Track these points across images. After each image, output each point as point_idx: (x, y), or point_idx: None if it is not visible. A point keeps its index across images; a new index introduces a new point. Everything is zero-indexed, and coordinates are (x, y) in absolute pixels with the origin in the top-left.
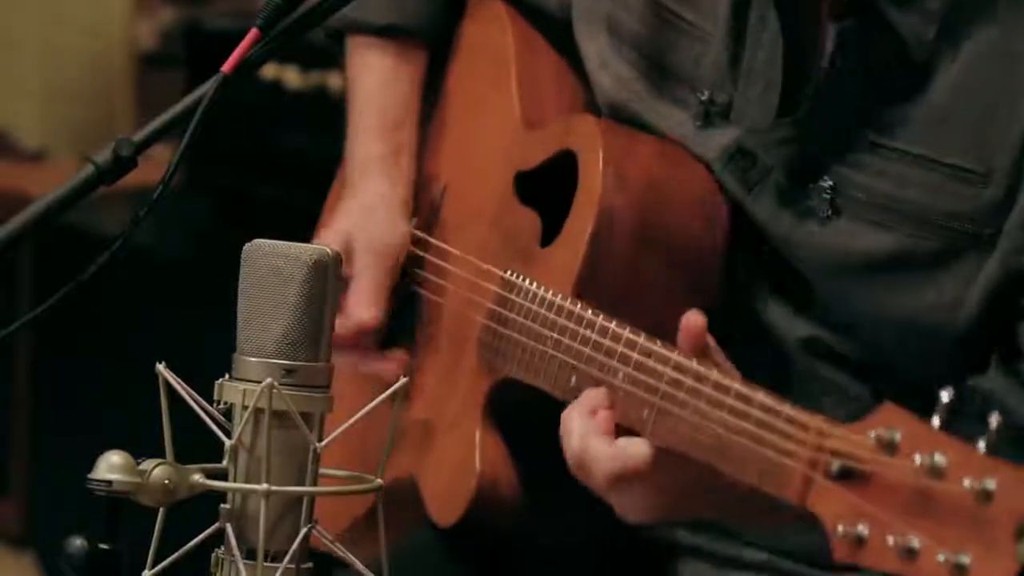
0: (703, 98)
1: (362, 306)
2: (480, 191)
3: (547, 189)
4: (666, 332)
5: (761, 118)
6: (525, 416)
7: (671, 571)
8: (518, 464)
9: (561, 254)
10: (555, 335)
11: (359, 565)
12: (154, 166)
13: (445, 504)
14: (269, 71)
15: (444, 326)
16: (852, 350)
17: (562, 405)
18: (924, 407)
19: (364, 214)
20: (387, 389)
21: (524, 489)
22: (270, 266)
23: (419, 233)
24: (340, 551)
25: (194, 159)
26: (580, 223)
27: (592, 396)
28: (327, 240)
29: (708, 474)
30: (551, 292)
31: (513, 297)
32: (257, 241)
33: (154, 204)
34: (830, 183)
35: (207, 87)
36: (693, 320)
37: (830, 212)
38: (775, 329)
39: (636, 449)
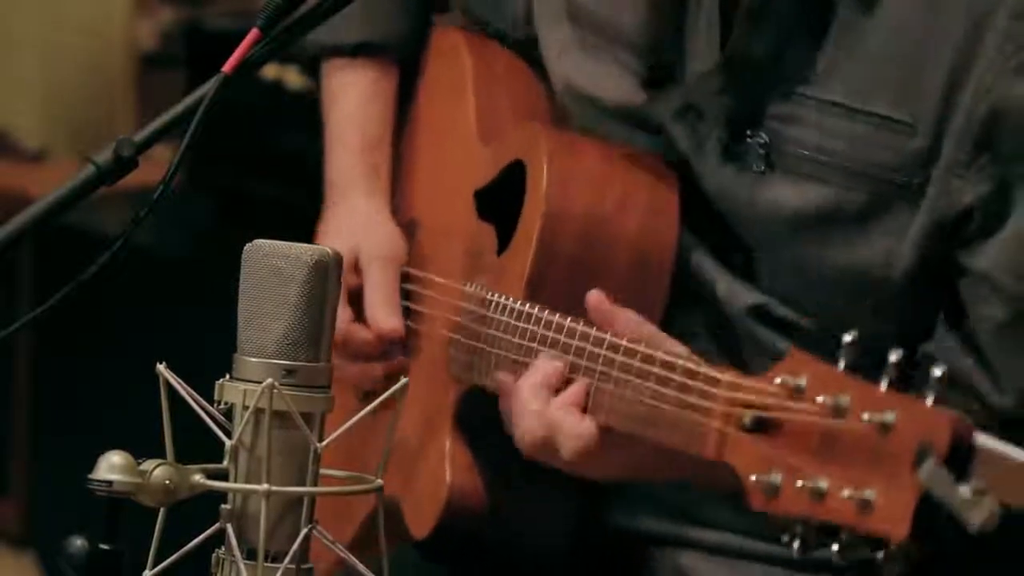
0: (651, 63)
1: (386, 318)
2: (447, 216)
3: (504, 202)
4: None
5: (705, 68)
6: (495, 425)
7: (657, 562)
8: (491, 472)
9: (511, 260)
10: (505, 336)
11: (360, 566)
12: (154, 166)
13: (419, 515)
14: (270, 71)
15: (419, 350)
16: (796, 316)
17: None
18: (875, 368)
19: (361, 226)
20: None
21: (497, 498)
22: (270, 266)
23: (405, 269)
24: (341, 551)
25: (195, 159)
26: (527, 228)
27: (547, 368)
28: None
29: (656, 451)
30: (503, 297)
31: (471, 307)
32: (258, 241)
33: (154, 204)
34: (764, 138)
35: (207, 87)
36: (593, 297)
37: (764, 167)
38: (720, 297)
39: (590, 425)
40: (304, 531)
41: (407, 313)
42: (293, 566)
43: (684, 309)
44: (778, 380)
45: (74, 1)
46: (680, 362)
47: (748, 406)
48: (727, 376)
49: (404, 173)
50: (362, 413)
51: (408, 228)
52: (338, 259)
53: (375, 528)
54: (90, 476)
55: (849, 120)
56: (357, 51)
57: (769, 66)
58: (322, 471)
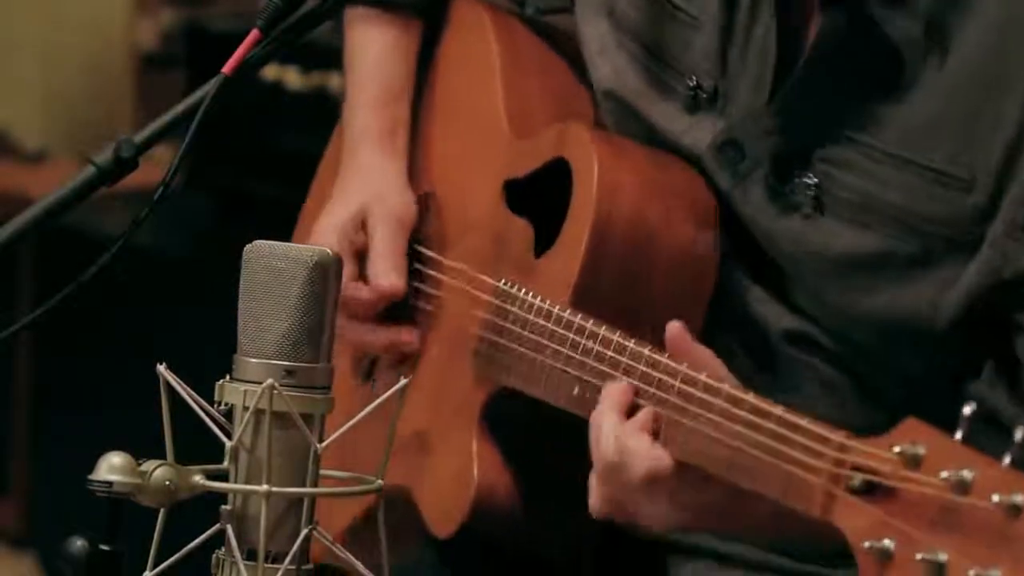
0: (691, 84)
1: (386, 274)
2: (470, 201)
3: (536, 197)
4: (664, 339)
5: (752, 105)
6: (521, 426)
7: (670, 570)
8: (516, 470)
9: (557, 264)
10: (554, 345)
11: (360, 566)
12: (155, 167)
13: (442, 515)
14: (270, 72)
15: (438, 337)
16: (832, 342)
17: (559, 413)
18: (907, 398)
19: (374, 185)
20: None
21: (522, 499)
22: (271, 267)
23: (415, 246)
24: (340, 552)
25: (195, 160)
26: (576, 232)
27: (616, 393)
28: (338, 211)
29: (730, 496)
30: (548, 302)
31: (509, 307)
32: (258, 242)
33: (155, 205)
34: (815, 180)
35: (208, 88)
36: (673, 329)
37: (813, 209)
38: (759, 319)
39: (664, 453)
40: (304, 532)
41: (421, 295)
42: (293, 567)
43: (723, 327)
44: (897, 448)
45: (74, 1)
46: (777, 411)
47: (858, 468)
48: (838, 436)
49: (420, 143)
50: (363, 413)
51: (423, 203)
52: (338, 260)
53: (377, 528)
54: (90, 477)
55: (903, 171)
56: (382, 4)
57: (825, 111)
58: (322, 472)
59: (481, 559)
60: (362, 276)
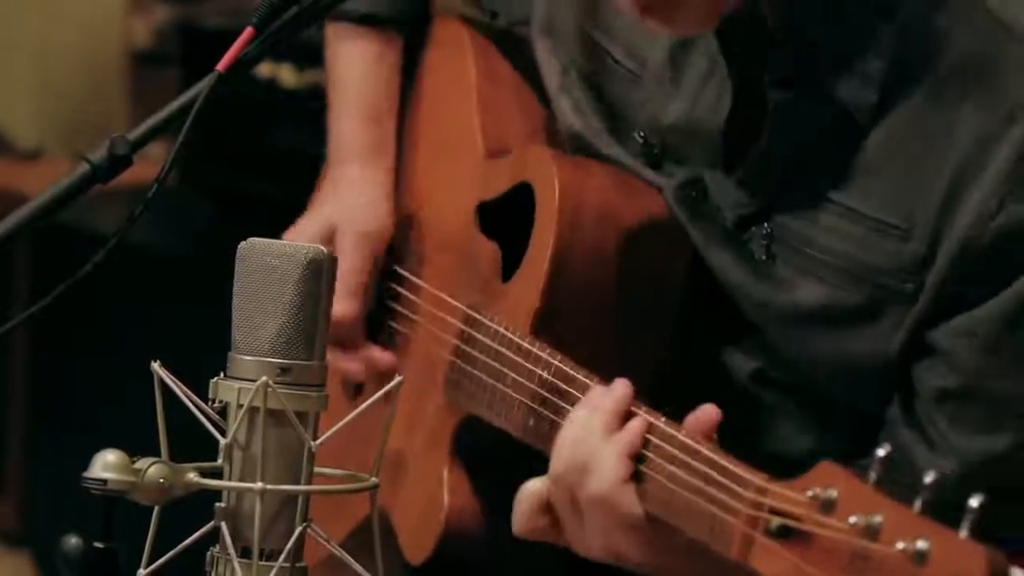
0: (639, 140)
1: (339, 299)
2: (445, 221)
3: (508, 219)
4: (628, 363)
5: (705, 161)
6: (492, 452)
7: None
8: (486, 497)
9: (520, 290)
10: (513, 375)
11: (355, 564)
12: (149, 164)
13: (415, 542)
14: (264, 69)
15: (413, 359)
16: (792, 381)
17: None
18: (864, 427)
19: (347, 199)
20: (357, 387)
21: (493, 527)
22: (265, 265)
23: (395, 267)
24: (336, 551)
25: (189, 157)
26: (537, 259)
27: (623, 400)
28: (306, 226)
29: (678, 546)
30: (510, 330)
31: (475, 333)
32: (252, 240)
33: (149, 202)
34: (767, 229)
35: (202, 85)
36: (708, 412)
37: (765, 257)
38: (727, 363)
39: (633, 497)
40: (299, 529)
41: (398, 316)
42: (288, 564)
43: (693, 376)
44: (809, 493)
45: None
46: (704, 450)
47: (776, 512)
48: (756, 478)
49: (405, 160)
50: (355, 413)
51: (406, 221)
52: (332, 258)
53: (371, 526)
54: (85, 474)
55: (849, 221)
56: (363, 20)
57: (779, 176)
58: (316, 470)
59: None
60: None
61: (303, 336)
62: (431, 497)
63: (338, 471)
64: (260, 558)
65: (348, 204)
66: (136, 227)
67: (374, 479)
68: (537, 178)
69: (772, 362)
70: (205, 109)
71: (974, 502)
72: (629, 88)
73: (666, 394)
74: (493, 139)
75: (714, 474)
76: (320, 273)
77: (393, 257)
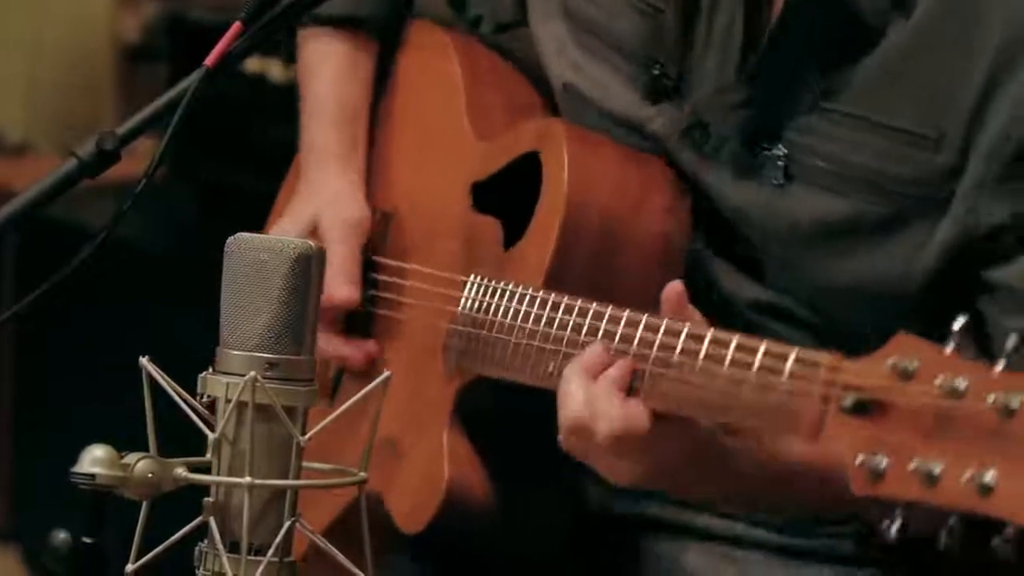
0: (655, 72)
1: (339, 284)
2: (436, 211)
3: (504, 197)
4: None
5: (718, 86)
6: (493, 423)
7: (644, 553)
8: (489, 467)
9: (529, 251)
10: (530, 326)
11: (342, 558)
12: (137, 159)
13: (412, 510)
14: (253, 64)
15: (403, 341)
16: (802, 313)
17: (532, 410)
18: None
19: (327, 196)
20: (357, 379)
21: (494, 495)
22: (253, 260)
23: (371, 257)
24: (324, 545)
25: (178, 152)
26: (548, 218)
27: (592, 356)
28: (287, 225)
29: (708, 449)
30: (522, 287)
31: (481, 297)
32: (240, 235)
33: (137, 198)
34: (783, 151)
35: (190, 80)
36: (674, 288)
37: (783, 179)
38: (725, 291)
39: (639, 410)
40: (287, 524)
41: (382, 303)
42: (276, 559)
43: (690, 301)
44: (889, 362)
45: None
46: (763, 345)
47: (851, 388)
48: (827, 359)
49: (379, 162)
50: (343, 408)
51: (385, 220)
52: (321, 252)
53: (359, 521)
54: (73, 470)
55: (871, 134)
56: (340, 23)
57: (791, 80)
58: (305, 464)
59: (448, 564)
60: None
61: (291, 331)
62: (431, 465)
63: (325, 465)
64: (248, 553)
65: (328, 199)
66: (124, 222)
67: (362, 474)
68: (546, 145)
69: (780, 291)
70: (193, 104)
71: (1011, 343)
72: (648, 23)
73: None
74: (482, 127)
75: (779, 364)
76: (308, 268)
77: (370, 249)
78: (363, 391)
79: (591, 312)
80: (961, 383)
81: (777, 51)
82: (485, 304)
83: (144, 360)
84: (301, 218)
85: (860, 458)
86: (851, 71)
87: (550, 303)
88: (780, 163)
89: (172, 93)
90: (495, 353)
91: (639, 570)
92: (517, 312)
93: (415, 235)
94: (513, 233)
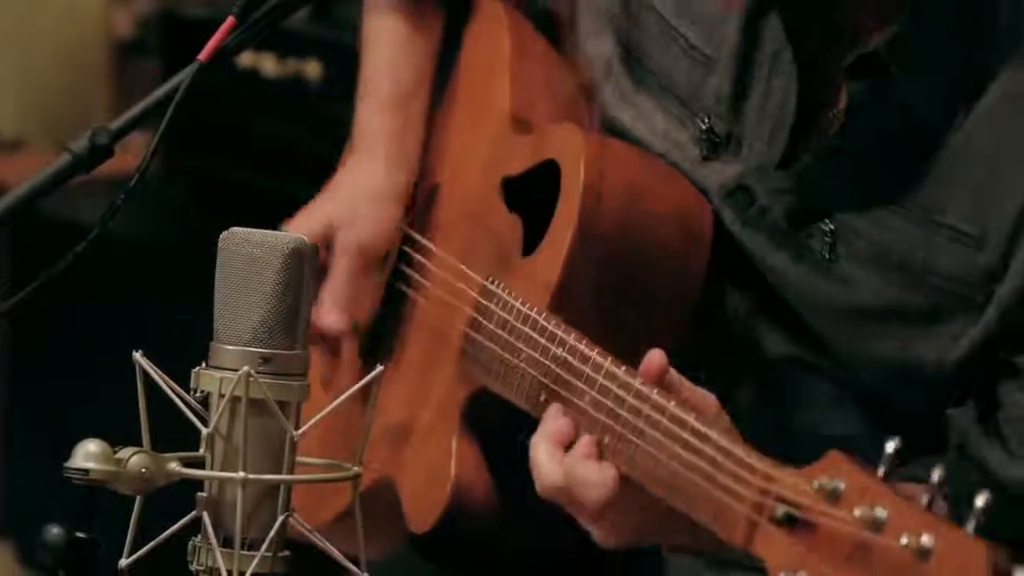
0: (703, 126)
1: (329, 312)
2: (469, 191)
3: (532, 195)
4: (643, 350)
5: (766, 158)
6: (502, 425)
7: (658, 564)
8: (494, 472)
9: (540, 266)
10: (528, 350)
11: (336, 554)
12: (130, 154)
13: (420, 510)
14: (246, 59)
15: (424, 326)
16: (832, 370)
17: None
18: (909, 420)
19: (352, 202)
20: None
21: (500, 497)
22: (246, 254)
23: (407, 230)
24: (318, 540)
25: (170, 146)
26: (560, 236)
27: (556, 423)
28: (307, 223)
29: (669, 515)
30: (527, 305)
31: (492, 306)
32: (233, 229)
33: (130, 193)
34: (830, 227)
35: (183, 75)
36: (655, 358)
37: (828, 255)
38: (759, 344)
39: (613, 472)
40: (281, 519)
41: (411, 282)
42: (270, 554)
43: (723, 352)
44: (816, 483)
45: None
46: (714, 435)
47: (781, 499)
48: (763, 465)
49: (439, 131)
50: (337, 402)
51: (430, 194)
52: (314, 248)
53: (368, 509)
54: (66, 464)
55: (919, 226)
56: None
57: (845, 178)
58: (299, 459)
59: (453, 565)
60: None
61: (285, 325)
62: (439, 466)
63: (320, 460)
64: (242, 548)
65: (350, 213)
66: (117, 217)
67: (356, 468)
68: (564, 156)
69: (815, 353)
70: (186, 100)
71: (980, 501)
72: (699, 73)
73: (690, 367)
74: (521, 114)
75: (722, 459)
76: (301, 262)
77: (413, 221)
78: (355, 387)
79: (579, 353)
80: (881, 514)
81: (834, 148)
82: (493, 314)
83: (137, 355)
84: (320, 219)
85: (782, 574)
86: (904, 163)
87: (548, 331)
88: (827, 239)
89: (165, 88)
90: (496, 368)
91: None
92: (519, 331)
93: (450, 212)
94: (533, 234)
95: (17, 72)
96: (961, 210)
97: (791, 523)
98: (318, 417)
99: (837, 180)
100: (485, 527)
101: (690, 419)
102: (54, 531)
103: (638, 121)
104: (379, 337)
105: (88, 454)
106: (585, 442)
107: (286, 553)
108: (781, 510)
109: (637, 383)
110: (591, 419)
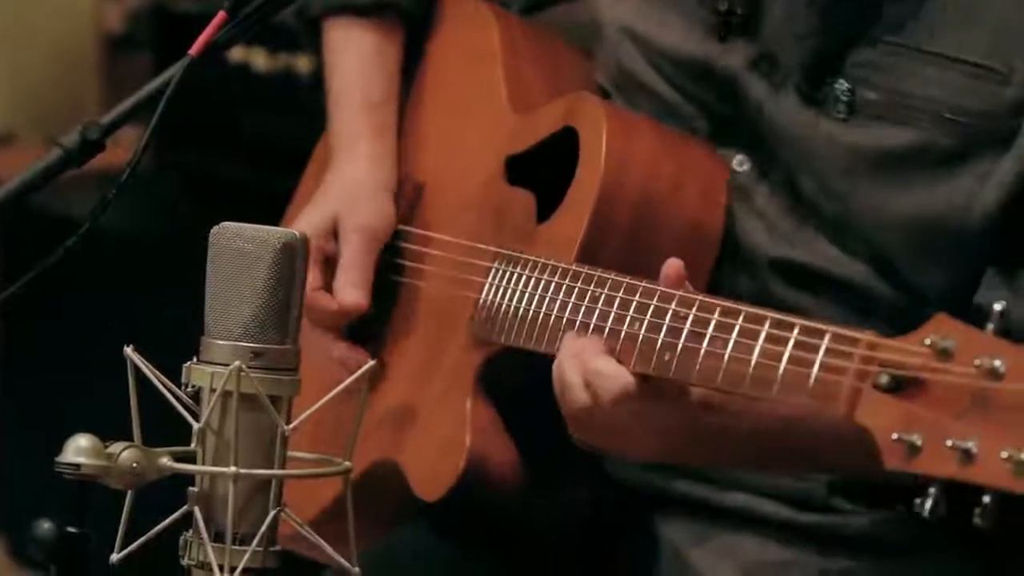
0: (722, 9)
1: (351, 289)
2: (468, 183)
3: (537, 171)
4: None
5: (789, 11)
6: (515, 397)
7: (659, 529)
8: (508, 441)
9: (562, 225)
10: (561, 297)
11: (328, 548)
12: (121, 148)
13: (431, 478)
14: (237, 53)
15: (426, 310)
16: (822, 265)
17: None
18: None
19: (350, 193)
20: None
21: (513, 466)
22: (238, 249)
23: (400, 226)
24: (309, 535)
25: (162, 141)
26: (583, 192)
27: (575, 342)
28: (312, 216)
29: (721, 419)
30: (553, 260)
31: (511, 269)
32: (225, 224)
33: (121, 187)
34: (847, 85)
35: (174, 70)
36: (672, 266)
37: (847, 112)
38: (748, 248)
39: (626, 371)
40: (272, 513)
41: (409, 273)
42: (261, 548)
43: (728, 274)
44: (927, 340)
45: None
46: (798, 321)
47: (888, 365)
48: (866, 336)
49: (413, 136)
50: (329, 396)
51: (416, 192)
52: (305, 242)
53: (359, 499)
54: (58, 459)
55: (941, 69)
56: (369, 11)
57: (858, 14)
58: (290, 454)
59: (466, 535)
60: (329, 285)
61: (276, 320)
62: (452, 433)
63: (311, 455)
64: (233, 542)
65: (351, 197)
66: (108, 212)
67: (347, 463)
68: (584, 121)
69: (835, 236)
70: (177, 94)
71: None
72: None
73: None
74: (519, 100)
75: (814, 340)
76: (293, 257)
77: (402, 221)
78: (348, 380)
79: (624, 286)
80: (999, 364)
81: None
82: (514, 275)
83: (128, 349)
84: (324, 212)
85: (895, 435)
86: (917, 5)
87: (583, 275)
88: (843, 97)
89: (156, 83)
90: (523, 325)
91: (658, 548)
92: (548, 284)
93: (445, 206)
94: (545, 209)
95: (8, 66)
96: (983, 45)
97: (898, 388)
98: (309, 412)
99: (849, 20)
100: (502, 493)
101: (768, 313)
102: (45, 526)
103: (653, 28)
104: (370, 324)
105: (79, 449)
106: (595, 340)
107: (277, 548)
108: (885, 376)
109: (700, 296)
110: (646, 341)
